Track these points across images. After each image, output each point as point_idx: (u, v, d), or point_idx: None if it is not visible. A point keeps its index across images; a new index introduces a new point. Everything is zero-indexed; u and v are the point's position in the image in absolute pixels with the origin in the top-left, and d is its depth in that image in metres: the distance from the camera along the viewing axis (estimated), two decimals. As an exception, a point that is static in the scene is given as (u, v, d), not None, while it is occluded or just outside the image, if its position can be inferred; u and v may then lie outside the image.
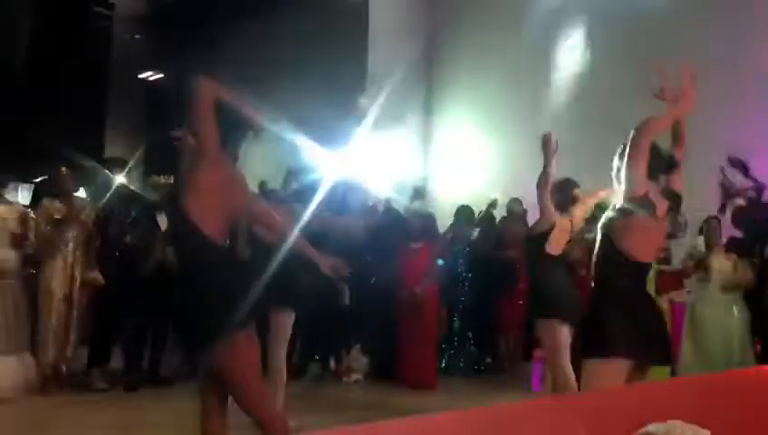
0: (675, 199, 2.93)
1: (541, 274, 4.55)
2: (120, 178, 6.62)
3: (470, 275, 7.41)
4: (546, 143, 4.38)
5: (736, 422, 1.33)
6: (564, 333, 4.30)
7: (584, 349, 2.95)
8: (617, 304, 2.89)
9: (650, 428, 1.06)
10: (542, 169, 4.41)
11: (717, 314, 6.06)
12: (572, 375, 4.15)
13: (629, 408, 1.14)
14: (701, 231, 6.31)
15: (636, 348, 2.80)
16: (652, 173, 2.86)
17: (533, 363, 6.88)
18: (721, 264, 6.10)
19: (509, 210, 7.95)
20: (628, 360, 2.78)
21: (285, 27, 11.31)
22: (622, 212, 2.86)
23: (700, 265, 6.14)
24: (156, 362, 6.22)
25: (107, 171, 6.39)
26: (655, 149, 2.89)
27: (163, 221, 6.18)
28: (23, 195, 9.52)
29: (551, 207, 4.43)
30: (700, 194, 7.28)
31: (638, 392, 1.99)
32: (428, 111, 11.57)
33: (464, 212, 7.62)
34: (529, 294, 5.05)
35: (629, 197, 2.82)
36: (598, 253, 2.99)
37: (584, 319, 3.07)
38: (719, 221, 6.33)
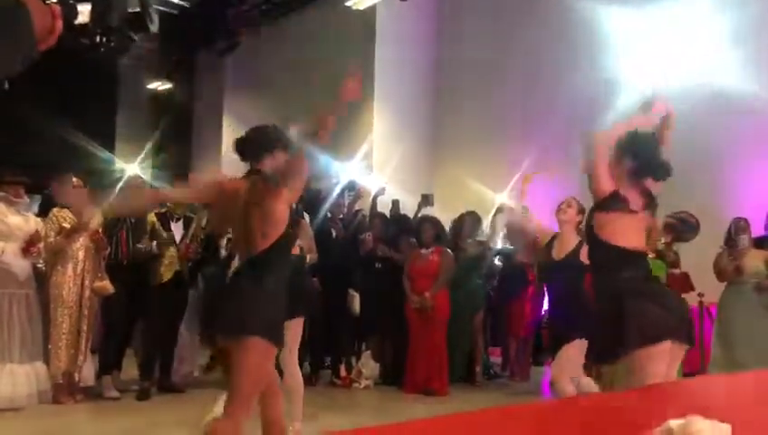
0: (650, 197, 3.21)
1: None
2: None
3: (479, 280, 7.40)
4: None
5: (762, 421, 1.32)
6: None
7: (627, 340, 2.96)
8: (637, 292, 3.03)
9: (670, 423, 1.06)
10: None
11: (749, 315, 5.96)
12: None
13: (653, 406, 1.14)
14: (729, 233, 6.23)
15: (675, 328, 2.98)
16: (639, 175, 3.18)
17: (545, 368, 6.86)
18: (755, 265, 6.02)
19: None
20: (672, 341, 2.94)
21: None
22: (596, 207, 3.18)
23: (735, 267, 6.07)
24: (167, 369, 6.23)
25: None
26: (656, 157, 3.21)
27: (177, 228, 6.23)
28: (33, 205, 9.60)
29: None
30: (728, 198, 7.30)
31: (662, 391, 1.99)
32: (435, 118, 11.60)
33: (471, 217, 7.61)
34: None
35: (599, 194, 3.15)
36: (589, 248, 3.31)
37: (611, 315, 3.07)
38: (747, 222, 6.24)
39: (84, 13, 1.32)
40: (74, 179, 5.89)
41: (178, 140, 14.38)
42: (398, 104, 11.29)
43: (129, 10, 1.95)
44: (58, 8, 1.21)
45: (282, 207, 3.03)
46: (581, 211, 4.62)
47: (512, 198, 8.28)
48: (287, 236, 3.05)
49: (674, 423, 1.06)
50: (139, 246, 6.06)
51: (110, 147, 13.80)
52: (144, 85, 14.78)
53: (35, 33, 1.14)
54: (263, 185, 3.06)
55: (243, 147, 3.28)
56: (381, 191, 8.08)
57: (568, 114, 8.86)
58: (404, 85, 11.36)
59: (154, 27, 1.97)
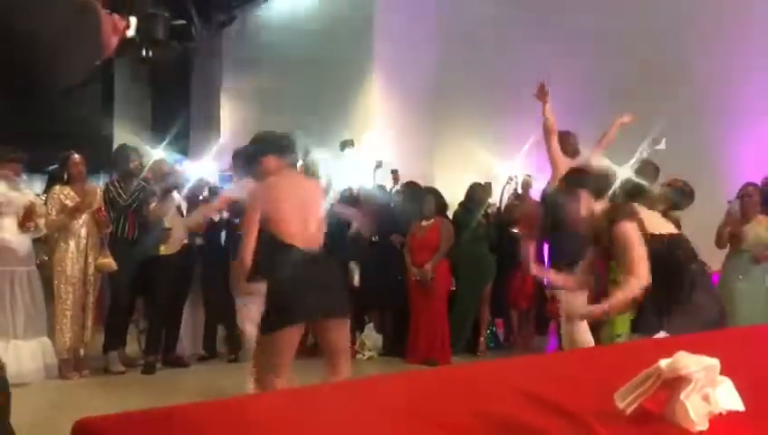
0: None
1: None
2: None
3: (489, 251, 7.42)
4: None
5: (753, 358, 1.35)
6: None
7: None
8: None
9: (660, 363, 1.09)
10: None
11: (747, 284, 5.82)
12: None
13: (645, 359, 1.17)
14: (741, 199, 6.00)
15: None
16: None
17: (548, 337, 6.90)
18: (758, 234, 5.85)
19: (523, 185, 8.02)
20: None
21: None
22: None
23: (734, 234, 5.92)
24: (172, 344, 6.27)
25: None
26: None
27: (183, 204, 6.23)
28: (37, 183, 9.62)
29: None
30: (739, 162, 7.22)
31: (656, 344, 2.02)
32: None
33: (474, 191, 7.62)
34: None
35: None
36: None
37: None
38: (759, 189, 6.03)
39: (131, 25, 1.31)
40: (76, 156, 5.89)
41: (176, 114, 14.36)
42: (399, 77, 11.22)
43: (173, 22, 1.95)
44: (122, 22, 1.20)
45: None
46: None
47: (521, 170, 8.33)
48: None
49: (663, 362, 1.09)
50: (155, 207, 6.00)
51: (110, 123, 13.75)
52: (142, 60, 14.71)
53: (102, 43, 1.13)
54: None
55: None
56: (379, 164, 8.09)
57: (575, 79, 8.82)
58: (405, 58, 11.29)
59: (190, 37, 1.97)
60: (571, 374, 1.54)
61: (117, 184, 5.99)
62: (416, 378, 1.68)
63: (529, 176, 8.10)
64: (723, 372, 1.11)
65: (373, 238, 7.16)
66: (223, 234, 6.67)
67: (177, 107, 14.19)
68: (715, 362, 1.10)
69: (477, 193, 7.54)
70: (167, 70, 14.43)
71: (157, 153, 7.27)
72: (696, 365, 1.07)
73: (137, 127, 13.21)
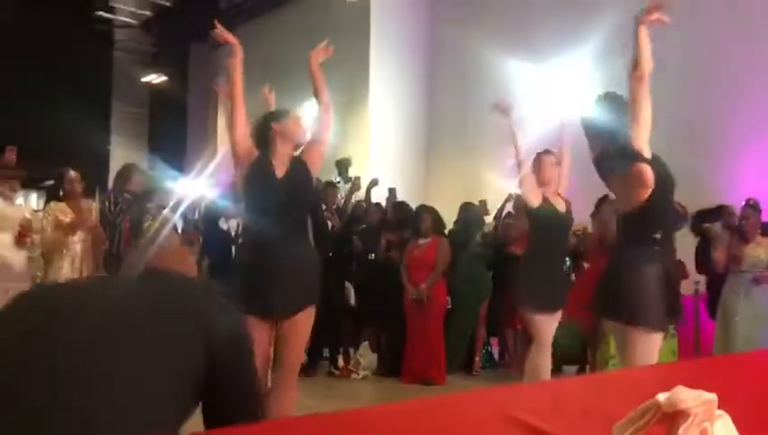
0: None
1: None
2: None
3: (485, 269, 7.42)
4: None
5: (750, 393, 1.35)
6: None
7: None
8: None
9: (658, 397, 1.09)
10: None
11: (747, 306, 5.81)
12: None
13: (642, 385, 1.17)
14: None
15: None
16: None
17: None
18: (757, 255, 5.85)
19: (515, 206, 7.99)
20: None
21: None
22: None
23: (733, 255, 5.91)
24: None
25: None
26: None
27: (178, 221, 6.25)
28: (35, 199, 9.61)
29: None
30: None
31: (654, 371, 2.02)
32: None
33: (469, 209, 7.63)
34: None
35: None
36: None
37: None
38: (758, 209, 6.02)
39: None
40: (72, 173, 5.88)
41: (173, 132, 14.39)
42: (394, 94, 11.30)
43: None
44: None
45: None
46: None
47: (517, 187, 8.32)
48: None
49: (661, 396, 1.09)
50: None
51: (106, 140, 13.78)
52: (139, 78, 14.77)
53: None
54: None
55: None
56: (375, 182, 8.10)
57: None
58: (399, 76, 11.37)
59: None
60: (568, 404, 1.54)
61: (110, 201, 5.99)
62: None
63: (521, 194, 8.06)
64: (721, 406, 1.11)
65: (369, 257, 7.17)
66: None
67: (174, 124, 14.24)
68: (713, 397, 1.10)
69: (473, 212, 7.55)
70: (163, 88, 14.49)
71: (155, 170, 7.31)
72: (695, 400, 1.08)
73: (134, 144, 13.24)
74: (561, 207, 4.71)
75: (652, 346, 3.04)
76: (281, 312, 3.46)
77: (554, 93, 8.74)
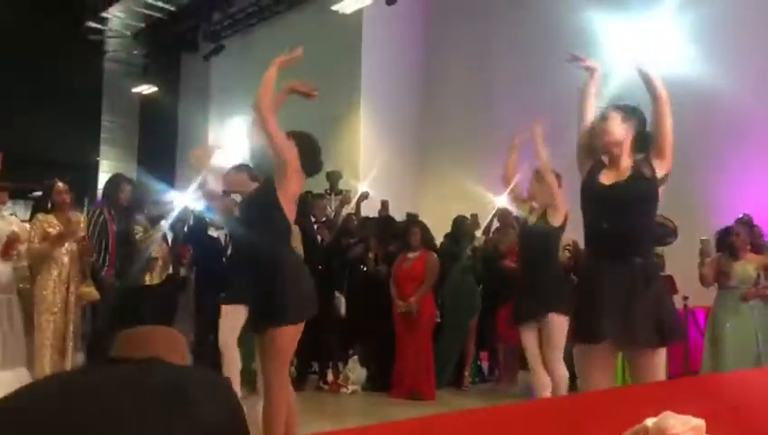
0: None
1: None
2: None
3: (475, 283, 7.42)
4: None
5: (737, 417, 1.34)
6: None
7: None
8: None
9: (647, 422, 1.09)
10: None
11: (736, 322, 5.82)
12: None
13: (631, 406, 1.16)
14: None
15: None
16: None
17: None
18: (746, 271, 5.88)
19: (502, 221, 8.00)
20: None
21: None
22: None
23: (721, 272, 5.93)
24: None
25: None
26: None
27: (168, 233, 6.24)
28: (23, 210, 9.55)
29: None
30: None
31: (642, 392, 2.01)
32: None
33: (461, 223, 7.62)
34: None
35: None
36: None
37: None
38: (750, 225, 6.09)
39: None
40: (61, 184, 5.85)
41: (163, 143, 14.35)
42: (385, 108, 11.32)
43: None
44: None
45: None
46: None
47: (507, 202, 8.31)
48: None
49: (649, 421, 1.09)
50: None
51: (96, 151, 13.74)
52: (129, 89, 14.74)
53: None
54: None
55: None
56: (365, 195, 8.10)
57: (557, 113, 8.88)
58: (391, 89, 11.40)
59: None
60: (558, 425, 1.52)
61: (98, 212, 5.96)
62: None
63: (506, 208, 8.05)
64: (708, 430, 1.11)
65: (362, 268, 7.15)
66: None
67: (164, 136, 14.20)
68: (701, 423, 1.09)
69: (463, 225, 7.55)
70: (154, 99, 14.46)
71: (145, 182, 7.30)
72: (683, 426, 1.07)
73: (123, 155, 13.19)
74: (557, 220, 4.72)
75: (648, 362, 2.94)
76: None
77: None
